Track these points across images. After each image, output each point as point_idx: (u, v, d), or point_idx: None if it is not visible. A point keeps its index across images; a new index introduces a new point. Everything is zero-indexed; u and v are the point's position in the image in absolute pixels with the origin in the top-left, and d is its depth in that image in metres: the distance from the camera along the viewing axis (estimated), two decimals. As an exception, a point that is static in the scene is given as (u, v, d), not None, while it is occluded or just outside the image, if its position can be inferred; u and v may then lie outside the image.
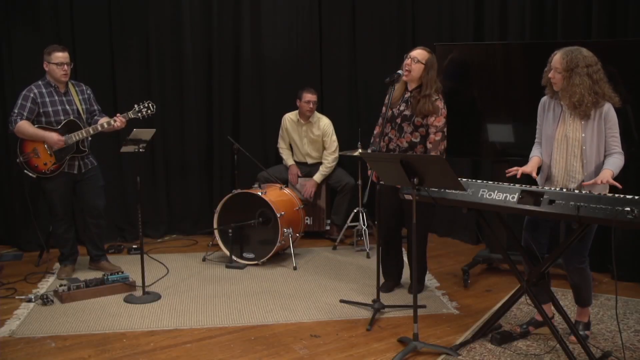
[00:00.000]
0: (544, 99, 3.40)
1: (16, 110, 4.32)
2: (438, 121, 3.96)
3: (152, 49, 5.72)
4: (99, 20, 5.53)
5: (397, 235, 4.31)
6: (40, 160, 4.38)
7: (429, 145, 3.99)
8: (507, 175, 3.28)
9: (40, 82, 4.41)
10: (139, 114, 4.44)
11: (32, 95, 4.33)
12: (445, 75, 4.54)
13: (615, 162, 3.15)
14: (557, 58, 3.19)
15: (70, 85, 4.49)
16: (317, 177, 5.65)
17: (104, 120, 4.47)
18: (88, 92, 4.60)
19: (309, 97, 5.60)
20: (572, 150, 3.23)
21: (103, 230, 4.77)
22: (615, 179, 3.30)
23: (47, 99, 4.37)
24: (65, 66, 4.37)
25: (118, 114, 4.45)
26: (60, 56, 4.34)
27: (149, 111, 4.46)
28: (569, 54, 3.16)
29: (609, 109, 3.17)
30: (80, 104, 4.49)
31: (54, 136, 4.32)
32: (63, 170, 4.43)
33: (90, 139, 4.53)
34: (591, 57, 3.16)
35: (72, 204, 4.76)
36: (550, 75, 3.23)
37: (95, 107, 4.63)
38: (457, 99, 4.49)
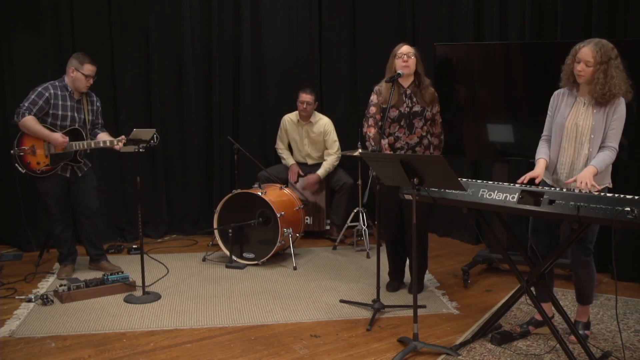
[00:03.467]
0: (558, 91, 3.38)
1: (26, 104, 4.30)
2: (439, 109, 4.19)
3: (152, 49, 5.72)
4: (99, 20, 5.52)
5: (402, 234, 4.32)
6: (35, 159, 4.37)
7: (438, 129, 4.19)
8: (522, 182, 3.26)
9: (57, 83, 4.39)
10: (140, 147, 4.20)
11: (47, 94, 4.32)
12: (445, 75, 4.55)
13: (603, 159, 3.14)
14: (588, 51, 3.11)
15: (83, 94, 4.50)
16: (321, 171, 5.67)
17: (107, 138, 4.47)
18: (97, 104, 4.61)
19: (303, 97, 5.61)
20: (580, 138, 3.23)
21: (99, 230, 4.75)
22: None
23: (60, 102, 4.36)
24: (91, 79, 4.40)
25: (123, 136, 4.41)
26: (92, 69, 4.37)
27: (152, 142, 4.23)
28: (601, 46, 3.11)
29: (621, 101, 3.17)
30: (88, 114, 4.50)
31: (58, 137, 4.32)
32: (56, 173, 4.42)
33: (88, 151, 4.54)
34: (615, 49, 3.15)
35: (68, 204, 4.74)
36: (579, 68, 3.15)
37: (99, 121, 4.63)
38: (457, 99, 4.49)
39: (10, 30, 5.23)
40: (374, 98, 4.16)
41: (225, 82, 5.97)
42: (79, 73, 4.35)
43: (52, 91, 4.34)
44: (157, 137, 4.34)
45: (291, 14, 6.14)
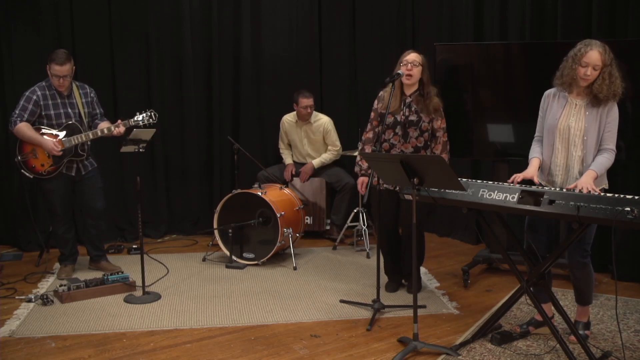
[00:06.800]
0: (549, 91, 3.38)
1: (17, 112, 4.31)
2: (443, 123, 4.08)
3: (152, 49, 5.72)
4: (99, 20, 5.53)
5: (397, 234, 4.32)
6: (38, 161, 4.37)
7: (439, 148, 4.06)
8: (514, 181, 3.26)
9: (43, 84, 4.38)
10: (141, 122, 4.42)
11: (34, 97, 4.31)
12: (445, 75, 4.55)
13: (602, 163, 3.16)
14: (597, 55, 3.11)
15: (74, 88, 4.47)
16: (316, 161, 5.72)
17: (104, 126, 4.46)
18: (92, 95, 4.58)
19: (305, 102, 5.61)
20: (573, 139, 3.23)
21: (102, 231, 4.76)
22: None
23: (50, 102, 4.36)
24: (62, 79, 4.31)
25: (120, 120, 4.43)
26: (58, 70, 4.27)
27: (151, 120, 4.45)
28: (605, 49, 3.13)
29: (613, 104, 3.18)
30: (83, 107, 4.48)
31: (50, 143, 4.30)
32: (61, 172, 4.42)
33: (89, 143, 4.53)
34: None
35: (72, 205, 4.75)
36: (588, 72, 3.13)
37: (98, 111, 4.61)
38: (457, 99, 4.49)
39: (11, 30, 5.23)
40: (375, 104, 4.19)
41: (225, 82, 5.97)
42: (50, 72, 4.33)
43: (39, 93, 4.33)
44: (155, 115, 4.46)
45: (291, 14, 6.14)
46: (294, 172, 5.78)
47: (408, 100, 4.06)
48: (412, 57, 4.00)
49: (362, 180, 4.14)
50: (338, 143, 5.77)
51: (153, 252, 5.27)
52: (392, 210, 4.16)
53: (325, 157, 5.76)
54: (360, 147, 4.30)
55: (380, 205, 4.07)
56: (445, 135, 4.09)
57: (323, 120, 5.74)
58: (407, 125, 4.03)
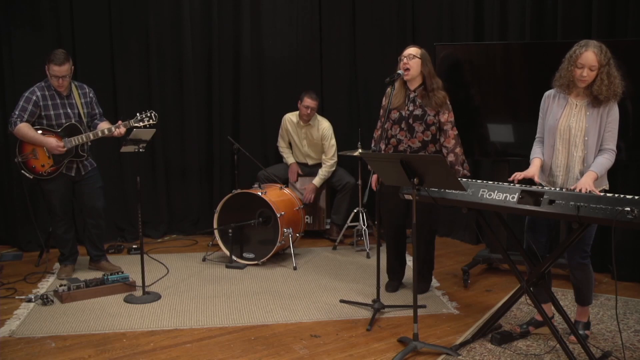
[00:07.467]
0: (549, 92, 3.38)
1: (17, 112, 4.31)
2: (451, 116, 4.06)
3: (152, 49, 5.72)
4: (99, 20, 5.53)
5: (403, 234, 4.32)
6: (38, 162, 4.37)
7: (450, 142, 4.04)
8: (514, 179, 3.26)
9: (43, 84, 4.38)
10: (141, 123, 4.42)
11: (34, 98, 4.31)
12: (446, 75, 4.54)
13: (602, 163, 3.15)
14: (592, 56, 3.10)
15: (73, 88, 4.47)
16: (317, 181, 5.66)
17: (105, 126, 4.46)
18: (91, 95, 4.58)
19: (308, 102, 5.59)
20: (574, 140, 3.23)
21: (102, 231, 4.76)
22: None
23: (50, 102, 4.36)
24: (61, 79, 4.30)
25: (120, 121, 4.43)
26: (56, 70, 4.26)
27: (151, 120, 4.45)
28: (601, 49, 3.12)
29: (614, 104, 3.18)
30: (82, 108, 4.48)
31: (52, 141, 4.31)
32: (61, 172, 4.42)
33: (90, 143, 4.53)
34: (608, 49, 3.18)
35: (71, 205, 4.75)
36: (584, 74, 3.12)
37: (97, 111, 4.61)
38: (457, 99, 4.49)
39: (11, 30, 5.23)
40: (383, 101, 4.19)
41: (225, 82, 5.98)
42: (48, 73, 4.32)
43: (38, 93, 4.33)
44: (155, 116, 4.44)
45: (291, 13, 6.14)
46: (300, 173, 5.77)
47: (412, 95, 4.06)
48: (409, 50, 4.02)
49: (376, 177, 4.09)
50: (334, 149, 5.69)
51: (153, 252, 5.27)
52: (399, 205, 4.13)
53: (323, 173, 5.66)
54: (373, 144, 4.23)
55: (387, 200, 4.07)
56: (454, 128, 4.05)
57: (324, 125, 5.72)
58: (412, 120, 4.02)
